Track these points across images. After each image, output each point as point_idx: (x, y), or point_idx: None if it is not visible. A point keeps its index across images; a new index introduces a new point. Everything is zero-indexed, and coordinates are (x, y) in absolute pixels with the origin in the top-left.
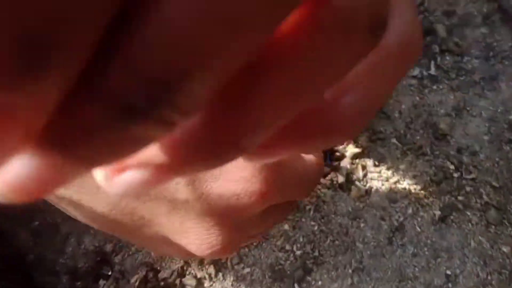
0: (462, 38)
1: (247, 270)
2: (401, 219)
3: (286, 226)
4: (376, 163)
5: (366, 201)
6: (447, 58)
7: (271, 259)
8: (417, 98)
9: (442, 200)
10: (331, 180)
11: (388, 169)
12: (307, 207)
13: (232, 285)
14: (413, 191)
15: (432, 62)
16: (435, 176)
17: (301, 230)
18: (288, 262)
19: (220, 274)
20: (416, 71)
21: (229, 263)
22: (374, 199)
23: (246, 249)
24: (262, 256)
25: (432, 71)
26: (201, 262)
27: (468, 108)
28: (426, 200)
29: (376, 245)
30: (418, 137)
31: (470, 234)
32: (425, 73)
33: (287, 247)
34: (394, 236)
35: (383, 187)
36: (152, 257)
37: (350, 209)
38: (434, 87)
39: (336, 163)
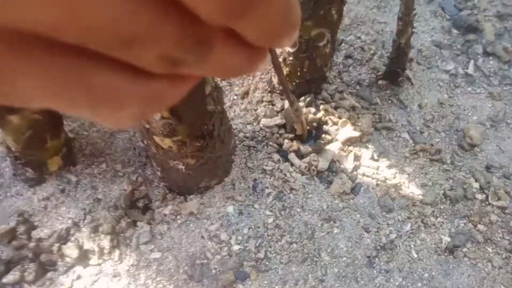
0: None
1: (157, 255)
2: (393, 235)
3: (230, 208)
4: (375, 156)
5: (349, 200)
6: (491, 62)
7: (195, 248)
8: (445, 96)
9: (456, 224)
10: (309, 163)
11: (389, 167)
12: (266, 190)
13: (128, 271)
14: (417, 203)
15: (472, 62)
16: (451, 191)
17: (249, 218)
18: (218, 257)
19: (117, 252)
20: (450, 65)
21: (134, 240)
22: (362, 201)
23: (165, 227)
24: (184, 240)
25: (470, 70)
26: (95, 229)
27: (508, 121)
28: (433, 219)
29: (350, 263)
30: (438, 140)
31: (489, 279)
32: (461, 71)
33: (223, 236)
34: (378, 256)
35: (377, 189)
36: (34, 207)
37: (324, 207)
38: (469, 89)
39: (321, 144)
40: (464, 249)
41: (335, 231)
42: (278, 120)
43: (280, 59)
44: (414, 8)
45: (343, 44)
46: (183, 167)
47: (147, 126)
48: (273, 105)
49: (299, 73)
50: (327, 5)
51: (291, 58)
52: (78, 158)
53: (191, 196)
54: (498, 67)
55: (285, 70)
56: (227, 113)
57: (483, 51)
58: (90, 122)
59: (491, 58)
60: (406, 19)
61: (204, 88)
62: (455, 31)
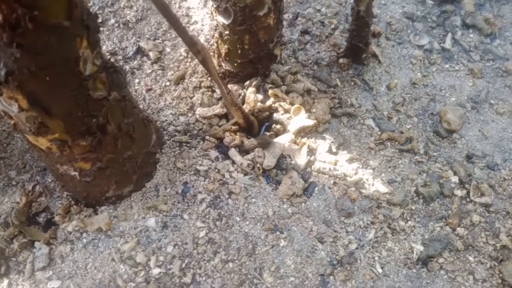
0: (497, 16)
1: (55, 284)
2: (353, 246)
3: (151, 221)
4: (334, 148)
5: (301, 204)
6: (471, 35)
7: (103, 273)
8: (419, 74)
9: (430, 228)
10: (253, 160)
11: (350, 161)
12: (199, 196)
13: None
14: (383, 204)
15: (449, 35)
16: (425, 187)
17: (175, 233)
18: (132, 285)
19: (6, 281)
20: (424, 40)
21: (28, 265)
22: (315, 204)
23: (67, 247)
24: (90, 264)
25: (447, 45)
26: None
27: (492, 102)
28: (402, 223)
29: (298, 284)
30: (409, 126)
31: None
32: (436, 45)
33: (140, 257)
34: (333, 274)
35: (335, 188)
36: None
37: (270, 213)
38: (447, 66)
39: (267, 136)
40: (440, 260)
41: (281, 244)
42: (218, 109)
43: (217, 34)
44: None
45: (299, 18)
46: (77, 173)
47: (11, 121)
48: (213, 91)
49: (239, 51)
50: None
51: (227, 32)
52: None
53: (102, 208)
54: (479, 40)
55: (224, 48)
56: (157, 103)
57: (462, 23)
58: None
59: (470, 30)
60: None
61: (78, 67)
62: (430, 1)
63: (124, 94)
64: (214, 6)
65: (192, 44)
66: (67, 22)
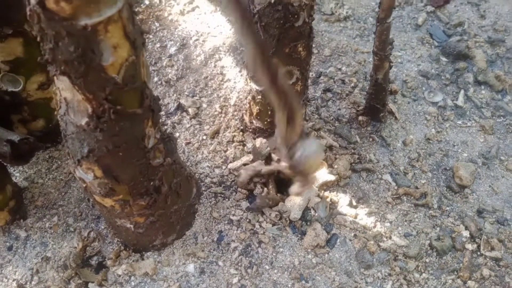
0: (508, 73)
1: None
2: None
3: (190, 267)
4: (354, 202)
5: (324, 255)
6: (483, 92)
7: None
8: (433, 131)
9: (443, 280)
10: (280, 212)
11: (369, 214)
12: (232, 244)
13: None
14: (400, 256)
15: (462, 92)
16: (438, 241)
17: (211, 278)
18: None
19: None
20: (438, 97)
21: None
22: (337, 255)
23: None
24: None
25: (460, 102)
26: None
27: (502, 158)
28: (417, 275)
29: None
30: (423, 181)
31: None
32: (450, 102)
33: None
34: None
35: (355, 240)
36: None
37: (296, 263)
38: (459, 122)
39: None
40: None
41: None
42: (245, 159)
43: (250, 97)
44: (392, 41)
45: (321, 77)
46: (132, 226)
47: (84, 184)
48: (244, 145)
49: (269, 112)
50: (292, 43)
51: (259, 96)
52: (29, 211)
53: (147, 254)
54: (490, 97)
55: (255, 109)
56: (195, 155)
57: (474, 80)
58: (47, 168)
59: (482, 87)
60: (381, 54)
61: (143, 142)
62: (443, 59)
63: (175, 158)
64: (250, 75)
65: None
66: (139, 110)
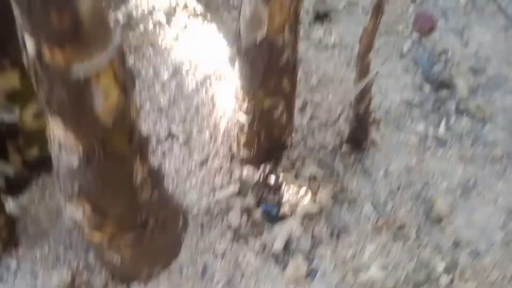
0: (488, 102)
1: None
2: None
3: None
4: (335, 233)
5: (305, 287)
6: (464, 121)
7: None
8: (414, 160)
9: None
10: (264, 244)
11: (349, 246)
12: (216, 276)
13: None
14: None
15: (444, 121)
16: (414, 273)
17: None
18: None
19: None
20: (420, 125)
21: None
22: (318, 286)
23: None
24: None
25: (441, 131)
26: None
27: (479, 189)
28: None
29: None
30: (403, 212)
31: None
32: (432, 131)
33: None
34: None
35: (335, 273)
36: None
37: None
38: (440, 151)
39: (278, 220)
40: None
41: None
42: (231, 188)
43: (237, 128)
44: (376, 73)
45: (308, 105)
46: (119, 258)
47: (73, 219)
48: (231, 175)
49: (256, 142)
50: (278, 76)
51: (246, 127)
52: (21, 239)
53: (134, 283)
54: (471, 126)
55: (243, 139)
56: (184, 184)
57: (456, 108)
58: (40, 197)
59: (464, 116)
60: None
61: (131, 180)
62: (427, 87)
63: (162, 191)
64: (237, 106)
65: None
66: (128, 150)
